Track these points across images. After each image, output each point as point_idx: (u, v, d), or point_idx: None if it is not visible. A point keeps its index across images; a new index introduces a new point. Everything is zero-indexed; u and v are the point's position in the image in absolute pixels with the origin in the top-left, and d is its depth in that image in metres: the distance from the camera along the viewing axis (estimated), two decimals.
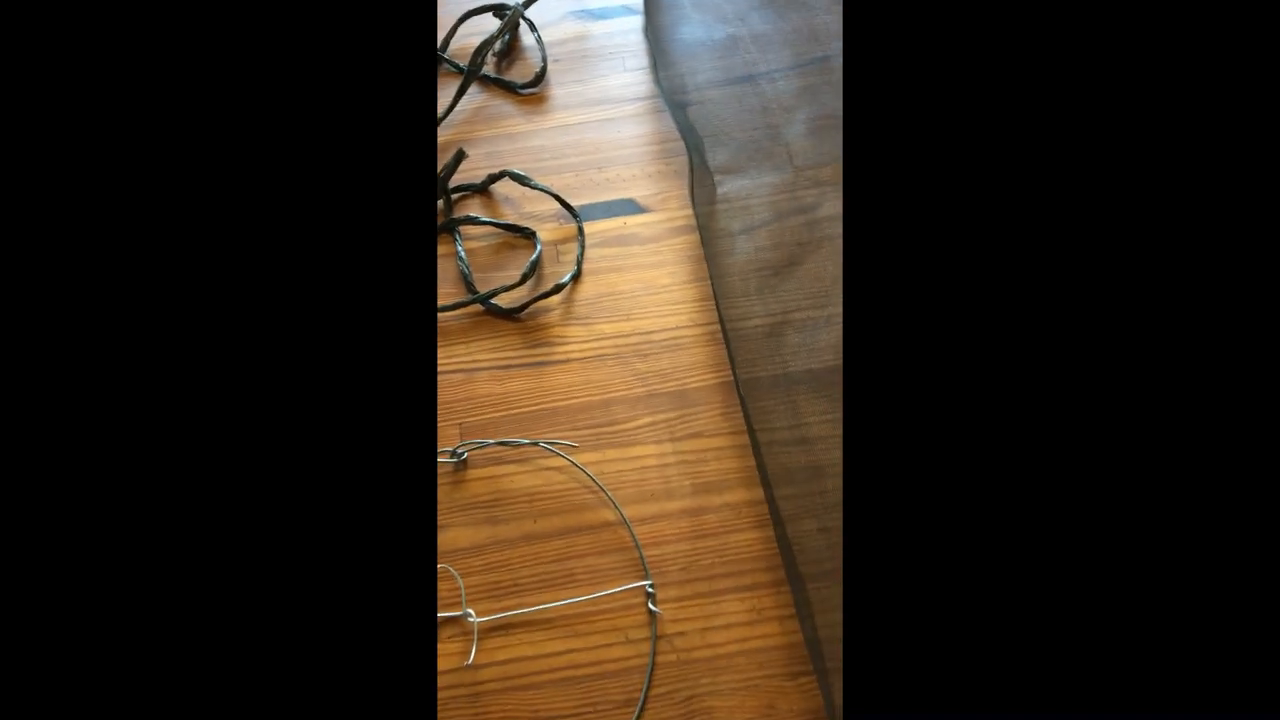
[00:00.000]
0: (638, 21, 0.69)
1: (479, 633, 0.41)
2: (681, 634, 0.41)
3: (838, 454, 0.45)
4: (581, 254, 0.54)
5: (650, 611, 0.41)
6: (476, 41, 0.65)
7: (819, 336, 0.50)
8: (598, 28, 0.69)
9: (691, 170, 0.56)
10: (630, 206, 0.57)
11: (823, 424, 0.46)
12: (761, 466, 0.45)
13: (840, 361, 0.47)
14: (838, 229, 0.54)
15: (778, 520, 0.43)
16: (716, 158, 0.57)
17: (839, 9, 0.63)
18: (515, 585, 0.43)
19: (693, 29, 0.64)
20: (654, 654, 0.40)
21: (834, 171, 0.56)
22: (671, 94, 0.60)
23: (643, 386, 0.49)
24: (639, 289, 0.53)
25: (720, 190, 0.56)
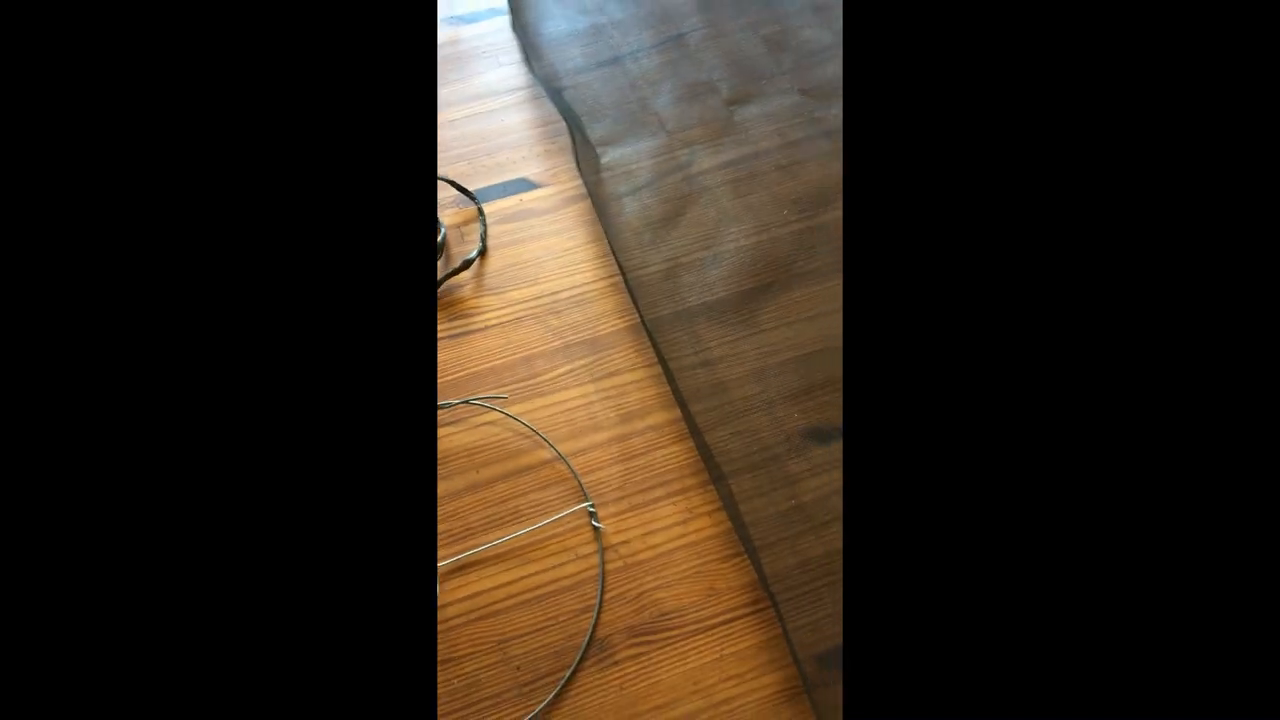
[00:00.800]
0: (505, 20, 0.73)
1: (440, 577, 0.45)
2: (625, 542, 0.45)
3: (739, 369, 0.50)
4: (484, 231, 0.58)
5: (594, 528, 0.46)
6: None
7: (709, 273, 0.55)
8: (468, 30, 0.73)
9: (575, 145, 0.61)
10: (524, 184, 0.61)
11: (721, 346, 0.51)
12: (676, 390, 0.49)
13: (731, 292, 0.53)
14: (712, 180, 0.60)
15: (695, 431, 0.48)
16: (596, 132, 0.62)
17: None
18: (467, 530, 0.46)
19: (558, 22, 0.69)
20: (602, 564, 0.44)
21: (701, 132, 0.62)
22: (547, 81, 0.65)
23: (559, 340, 0.53)
24: (542, 255, 0.57)
25: (604, 160, 0.61)
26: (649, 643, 0.42)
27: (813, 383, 0.49)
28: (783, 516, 0.44)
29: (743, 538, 0.45)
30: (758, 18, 0.67)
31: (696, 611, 0.43)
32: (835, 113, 0.61)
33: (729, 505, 0.45)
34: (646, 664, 0.42)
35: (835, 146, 0.59)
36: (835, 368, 0.50)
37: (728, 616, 0.43)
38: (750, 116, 0.61)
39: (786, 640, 0.41)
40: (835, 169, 0.58)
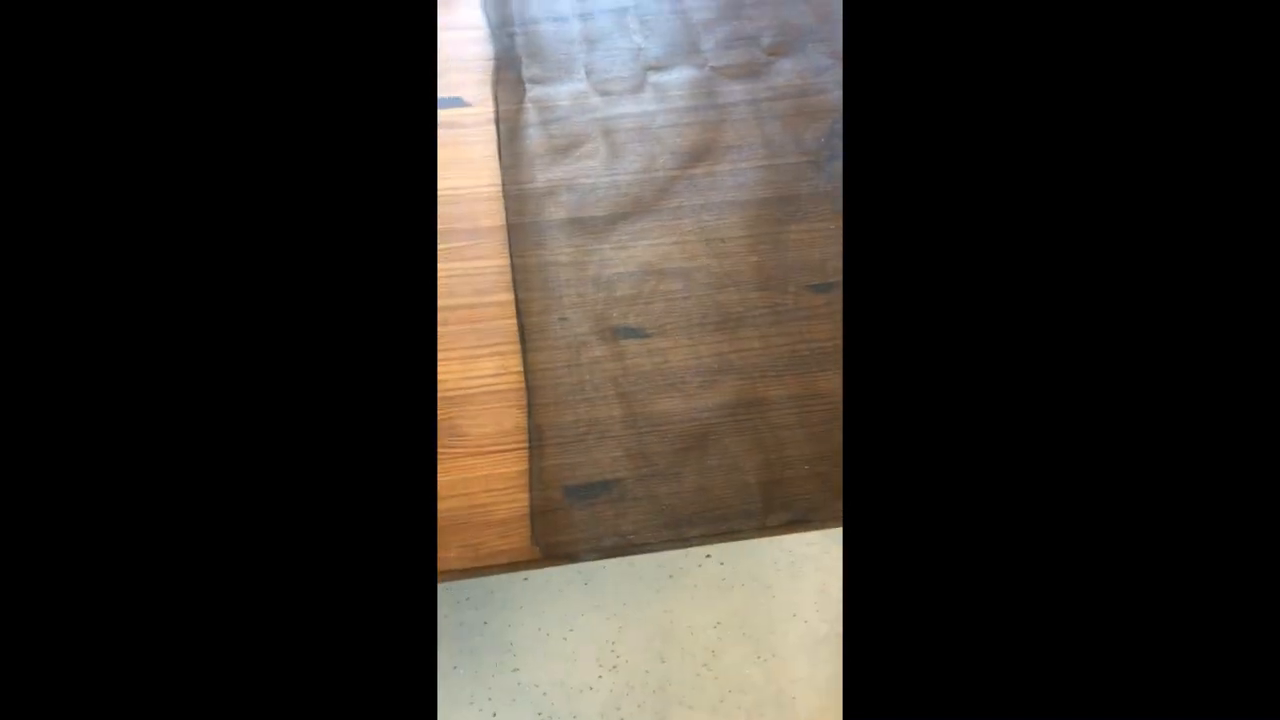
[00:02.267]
0: None
1: None
2: (444, 382, 0.55)
3: (568, 274, 0.60)
4: None
5: None
6: None
7: (579, 198, 0.65)
8: None
9: (501, 80, 0.71)
10: (458, 101, 0.72)
11: (566, 252, 0.61)
12: (514, 280, 0.60)
13: (589, 215, 0.63)
14: (618, 125, 0.70)
15: (520, 313, 0.58)
16: (530, 71, 0.73)
17: None
18: None
19: None
20: None
21: (618, 85, 0.72)
22: (501, 25, 0.76)
23: (444, 225, 0.64)
24: (452, 159, 0.68)
25: (529, 94, 0.71)
26: (439, 454, 0.53)
27: (637, 293, 0.59)
28: (568, 386, 0.54)
29: (529, 391, 0.55)
30: (697, 4, 0.77)
31: (483, 439, 0.53)
32: (729, 90, 0.71)
33: (528, 374, 0.56)
34: None
35: (721, 118, 0.69)
36: (660, 284, 0.60)
37: (504, 448, 0.53)
38: (663, 81, 0.71)
39: (531, 472, 0.51)
40: (713, 135, 0.68)
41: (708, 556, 1.16)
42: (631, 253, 0.61)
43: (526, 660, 1.14)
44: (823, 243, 0.62)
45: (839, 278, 0.61)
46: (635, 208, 0.64)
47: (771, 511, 0.52)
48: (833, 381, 0.57)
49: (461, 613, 1.18)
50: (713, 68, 0.78)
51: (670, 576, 1.15)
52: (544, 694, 1.10)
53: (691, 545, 0.52)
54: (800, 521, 0.52)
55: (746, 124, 0.71)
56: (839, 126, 0.71)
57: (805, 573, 1.18)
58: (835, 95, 0.74)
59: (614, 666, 1.12)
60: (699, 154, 0.69)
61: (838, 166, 0.67)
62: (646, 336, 0.58)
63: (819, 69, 0.76)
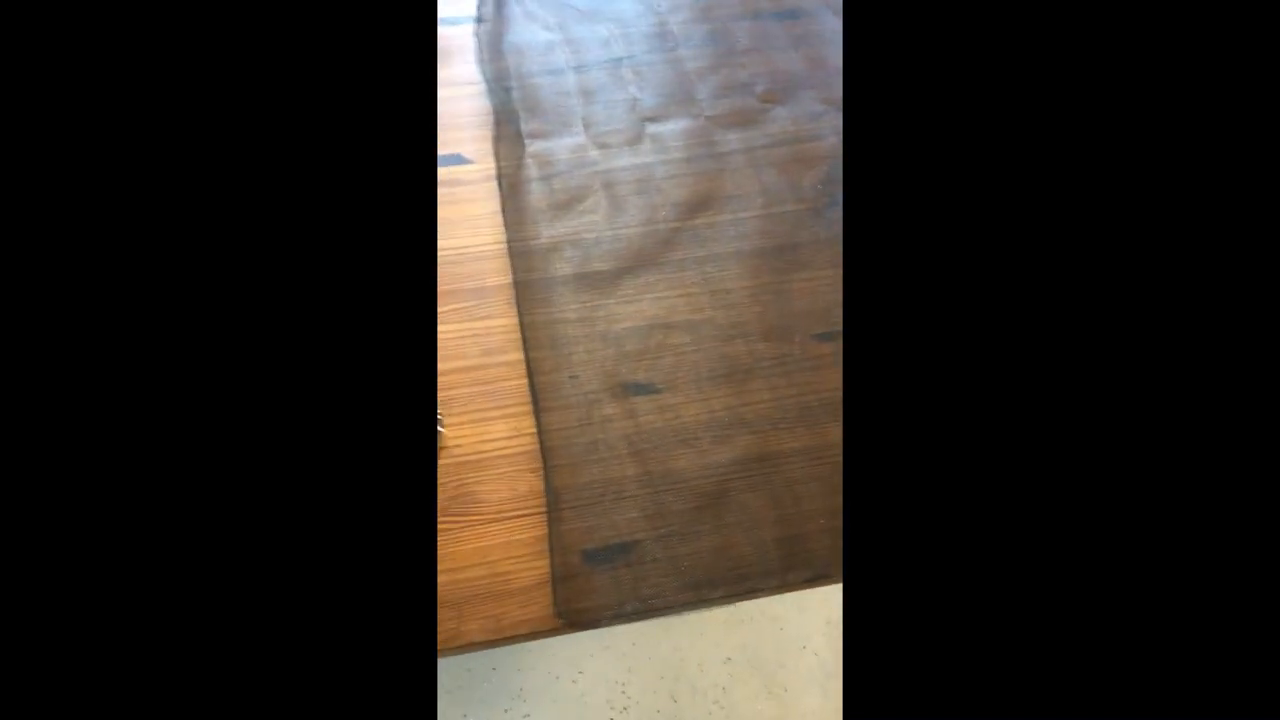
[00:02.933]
0: (472, 26, 0.84)
1: None
2: (458, 445, 0.56)
3: (576, 330, 0.60)
4: None
5: (438, 431, 0.56)
6: None
7: (584, 253, 0.66)
8: (443, 30, 0.85)
9: (499, 135, 0.71)
10: (458, 159, 0.72)
11: (574, 309, 0.61)
12: (524, 338, 0.60)
13: (594, 270, 0.64)
14: (618, 177, 0.71)
15: (531, 372, 0.58)
16: (528, 126, 0.73)
17: (644, 24, 0.81)
18: None
19: (519, 34, 0.81)
20: (435, 458, 0.55)
21: (616, 137, 0.73)
22: (497, 79, 0.76)
23: (452, 285, 0.64)
24: (456, 217, 0.68)
25: (529, 149, 0.72)
26: (455, 521, 0.53)
27: (645, 348, 0.59)
28: (582, 447, 0.54)
29: (544, 453, 0.55)
30: (690, 53, 0.78)
31: (499, 505, 0.53)
32: (725, 139, 0.71)
33: (542, 436, 0.56)
34: (448, 538, 0.52)
35: (719, 167, 0.70)
36: (667, 338, 0.60)
37: (520, 513, 0.53)
38: (660, 132, 0.72)
39: (549, 537, 0.51)
40: (712, 185, 0.68)
41: None
42: (638, 307, 0.62)
43: (537, 706, 1.13)
44: (825, 291, 0.63)
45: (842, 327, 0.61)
46: (639, 261, 0.65)
47: (791, 569, 0.52)
48: (839, 434, 0.57)
49: (469, 660, 1.17)
50: (708, 117, 0.78)
51: (679, 614, 1.15)
52: None
53: (714, 606, 0.52)
54: (820, 577, 0.52)
55: (744, 173, 0.72)
56: (835, 173, 0.72)
57: (812, 605, 1.18)
58: (830, 141, 0.75)
59: (625, 708, 1.11)
60: (699, 204, 0.70)
61: (836, 213, 0.68)
62: (657, 392, 0.58)
63: (813, 115, 0.77)
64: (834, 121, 0.74)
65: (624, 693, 1.09)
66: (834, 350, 0.61)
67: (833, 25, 0.81)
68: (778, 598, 1.14)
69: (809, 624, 1.14)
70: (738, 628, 1.13)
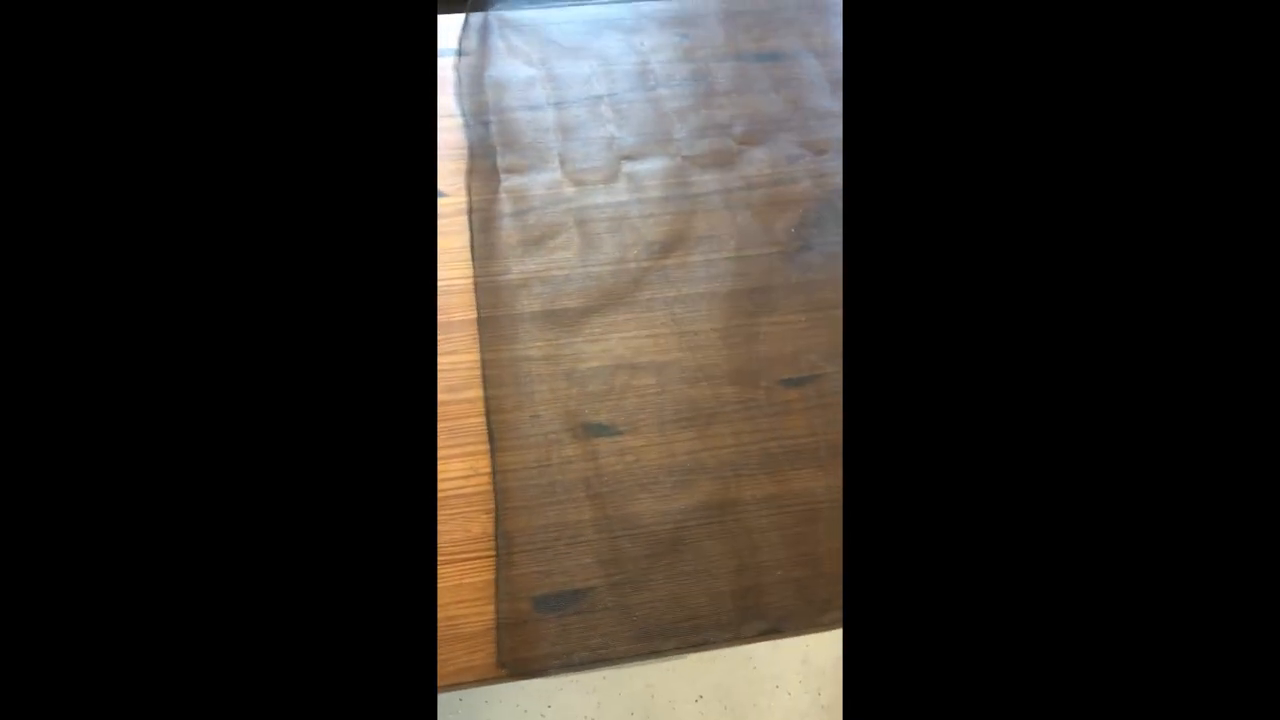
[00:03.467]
0: (453, 60, 0.85)
1: None
2: None
3: (541, 368, 0.60)
4: None
5: None
6: None
7: (562, 289, 0.65)
8: None
9: (474, 169, 0.71)
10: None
11: (538, 346, 0.61)
12: (484, 375, 0.59)
13: (561, 308, 0.63)
14: (591, 215, 0.71)
15: (489, 411, 0.58)
16: (505, 161, 0.73)
17: (627, 62, 0.81)
18: None
19: (501, 69, 0.81)
20: None
21: (592, 175, 0.73)
22: (475, 114, 0.76)
23: None
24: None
25: (504, 184, 0.72)
26: None
27: (609, 388, 0.59)
28: (539, 489, 0.54)
29: (498, 494, 0.54)
30: (670, 93, 0.78)
31: (451, 547, 0.52)
32: (701, 180, 0.72)
33: (497, 476, 0.55)
34: None
35: (693, 208, 0.70)
36: (633, 379, 0.60)
37: (472, 555, 0.52)
38: (636, 171, 0.72)
39: (499, 582, 0.50)
40: (685, 225, 0.69)
41: None
42: (604, 346, 0.61)
43: None
44: (795, 336, 0.62)
45: (812, 372, 0.61)
46: (608, 299, 0.64)
47: (746, 621, 0.51)
48: (807, 480, 0.56)
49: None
50: (685, 157, 0.79)
51: None
52: None
53: (664, 658, 0.51)
54: (774, 631, 0.51)
55: (718, 214, 0.72)
56: (810, 217, 0.72)
57: (787, 644, 1.16)
58: (805, 185, 0.75)
59: None
60: (671, 244, 0.70)
61: (809, 258, 0.68)
62: (619, 434, 0.58)
63: (790, 158, 0.77)
64: (811, 165, 0.74)
65: None
66: (801, 396, 0.60)
67: (814, 68, 0.82)
68: None
69: (783, 664, 1.12)
70: (711, 665, 1.12)
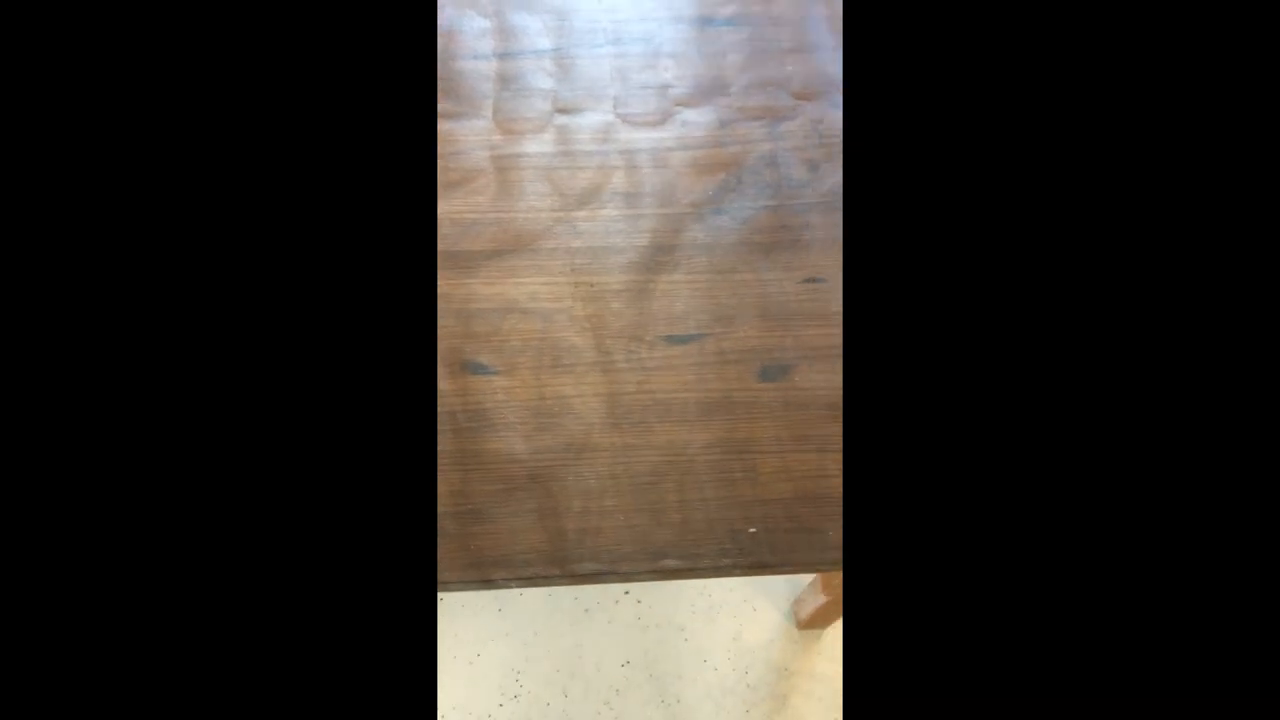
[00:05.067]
0: None
1: None
2: None
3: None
4: None
5: None
6: None
7: (468, 232, 0.67)
8: None
9: None
10: None
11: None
12: None
13: (477, 248, 0.64)
14: (513, 163, 0.72)
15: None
16: (441, 106, 0.75)
17: (583, 18, 0.82)
18: None
19: (452, 17, 0.82)
20: None
21: (523, 125, 0.74)
22: None
23: None
24: None
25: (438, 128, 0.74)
26: None
27: (494, 329, 0.60)
28: None
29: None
30: (615, 51, 0.78)
31: None
32: (631, 136, 0.72)
33: None
34: None
35: (618, 164, 0.70)
36: (520, 323, 0.61)
37: None
38: (569, 124, 0.73)
39: None
40: (604, 180, 0.69)
41: (626, 593, 1.16)
42: (499, 290, 0.62)
43: None
44: (689, 296, 0.62)
45: (699, 331, 0.61)
46: (512, 246, 0.65)
47: (579, 560, 0.52)
48: (669, 434, 0.57)
49: None
50: (619, 114, 0.79)
51: (586, 611, 1.15)
52: (441, 717, 1.10)
53: (494, 589, 0.52)
54: (608, 573, 0.52)
55: (641, 171, 0.72)
56: (732, 181, 0.72)
57: (721, 619, 1.17)
58: (735, 150, 0.74)
59: (516, 696, 1.12)
60: (586, 197, 0.70)
61: (719, 220, 0.68)
62: (494, 374, 0.59)
63: (723, 122, 0.77)
64: (743, 131, 0.73)
65: (517, 680, 1.09)
66: (683, 353, 0.60)
67: (768, 34, 0.81)
68: (689, 608, 1.13)
69: (715, 638, 1.13)
70: (642, 633, 1.13)
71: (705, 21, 0.82)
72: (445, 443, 0.55)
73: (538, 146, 0.73)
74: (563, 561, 0.51)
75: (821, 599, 1.03)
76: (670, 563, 0.52)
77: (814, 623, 1.13)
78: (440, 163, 0.71)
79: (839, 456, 0.56)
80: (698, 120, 0.76)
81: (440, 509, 0.53)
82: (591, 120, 0.75)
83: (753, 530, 0.53)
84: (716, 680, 1.12)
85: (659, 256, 0.65)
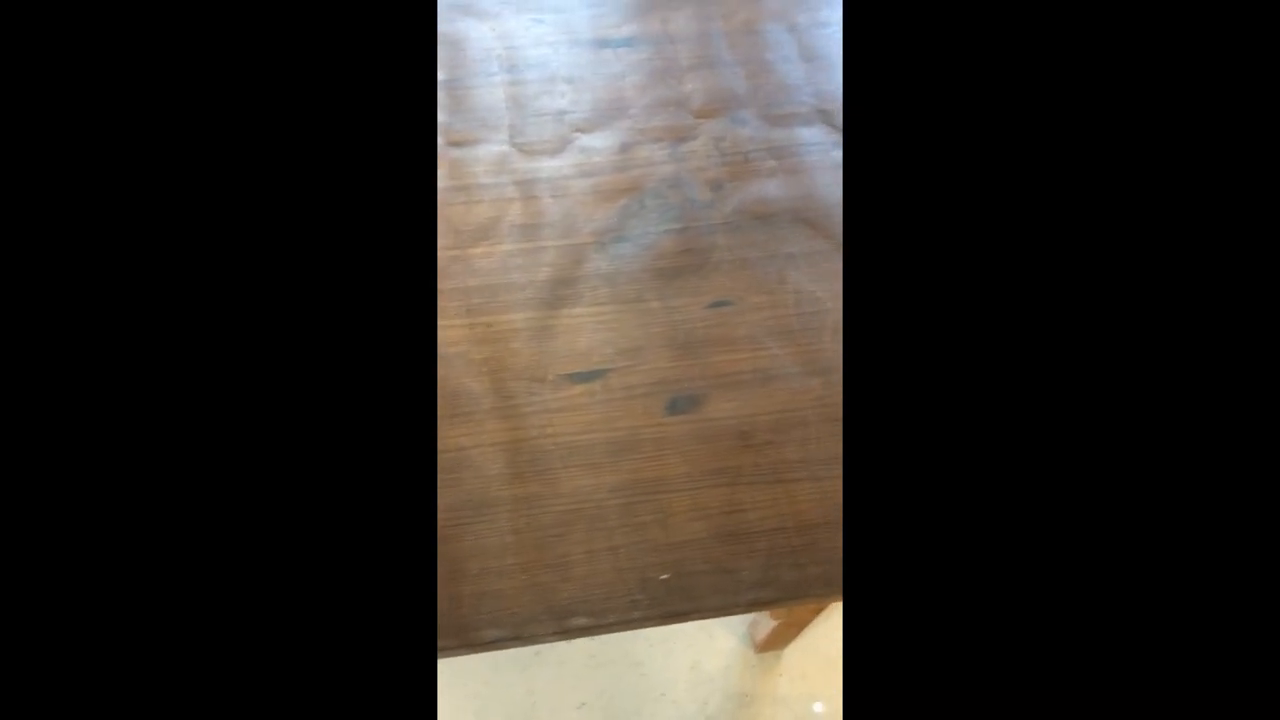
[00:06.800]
0: None
1: None
2: None
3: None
4: None
5: None
6: None
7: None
8: None
9: None
10: None
11: None
12: None
13: None
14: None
15: None
16: None
17: (476, 49, 0.79)
18: None
19: None
20: None
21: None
22: None
23: None
24: None
25: None
26: None
27: None
28: None
29: None
30: (509, 79, 0.76)
31: None
32: (529, 166, 0.69)
33: None
34: None
35: (515, 195, 0.67)
36: None
37: None
38: (462, 157, 0.70)
39: None
40: (500, 213, 0.66)
41: None
42: None
43: None
44: (591, 330, 0.60)
45: (602, 366, 0.58)
46: None
47: (479, 628, 0.48)
48: (576, 479, 0.54)
49: None
50: (515, 143, 0.76)
51: (536, 653, 1.10)
52: None
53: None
54: (510, 639, 0.48)
55: (539, 202, 0.70)
56: (634, 208, 0.69)
57: (677, 650, 1.13)
58: (636, 174, 0.72)
59: None
60: (482, 233, 0.67)
61: (621, 249, 0.65)
62: None
63: (624, 145, 0.75)
64: (646, 154, 0.71)
65: None
66: (586, 391, 0.58)
67: (669, 53, 0.79)
68: (644, 640, 1.10)
69: (672, 670, 1.09)
70: (597, 671, 1.09)
71: (602, 44, 0.80)
72: None
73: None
74: (460, 630, 0.47)
75: (774, 622, 1.01)
76: (579, 620, 0.49)
77: (772, 644, 1.10)
78: None
79: (751, 488, 0.54)
80: (597, 145, 0.74)
81: None
82: (486, 151, 0.72)
83: (664, 577, 0.51)
84: (676, 714, 1.08)
85: (560, 290, 0.62)
